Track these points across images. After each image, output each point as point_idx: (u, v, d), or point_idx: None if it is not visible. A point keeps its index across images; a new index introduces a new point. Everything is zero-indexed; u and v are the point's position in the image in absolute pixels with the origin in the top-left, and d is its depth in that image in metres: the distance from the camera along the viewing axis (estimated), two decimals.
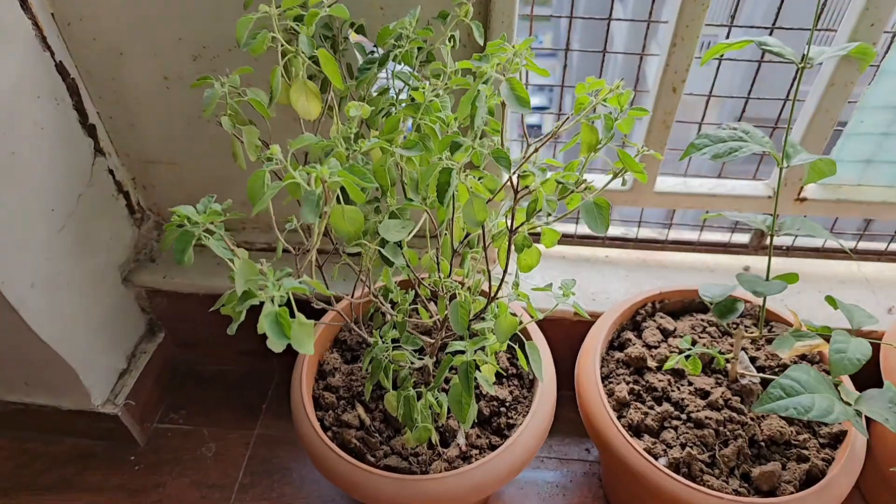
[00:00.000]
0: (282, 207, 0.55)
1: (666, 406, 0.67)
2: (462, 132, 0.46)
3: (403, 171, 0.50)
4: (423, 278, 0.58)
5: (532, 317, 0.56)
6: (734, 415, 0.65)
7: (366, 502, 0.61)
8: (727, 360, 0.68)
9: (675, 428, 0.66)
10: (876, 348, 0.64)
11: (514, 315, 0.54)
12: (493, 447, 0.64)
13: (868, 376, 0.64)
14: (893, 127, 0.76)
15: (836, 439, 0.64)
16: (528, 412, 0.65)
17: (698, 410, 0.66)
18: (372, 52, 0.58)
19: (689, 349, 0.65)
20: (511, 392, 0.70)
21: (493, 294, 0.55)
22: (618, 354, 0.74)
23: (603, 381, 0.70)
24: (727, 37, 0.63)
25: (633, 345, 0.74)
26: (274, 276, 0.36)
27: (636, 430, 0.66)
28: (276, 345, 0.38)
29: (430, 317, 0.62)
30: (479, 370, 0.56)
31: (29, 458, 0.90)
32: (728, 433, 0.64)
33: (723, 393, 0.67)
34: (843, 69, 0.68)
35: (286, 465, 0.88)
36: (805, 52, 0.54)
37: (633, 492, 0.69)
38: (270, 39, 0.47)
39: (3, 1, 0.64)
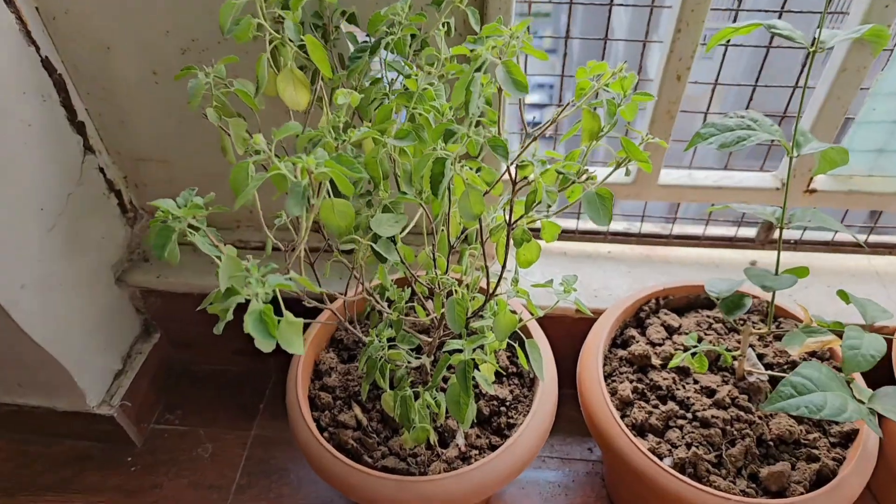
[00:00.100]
0: (272, 203, 0.53)
1: (671, 405, 0.66)
2: (458, 123, 0.44)
3: (396, 163, 0.48)
4: (419, 275, 0.56)
5: (532, 314, 0.54)
6: (741, 413, 0.63)
7: None
8: (734, 358, 0.66)
9: (681, 427, 0.64)
10: (889, 344, 0.62)
11: (514, 312, 0.52)
12: (493, 447, 0.63)
13: (880, 373, 0.62)
14: None
15: (848, 438, 0.62)
16: (528, 411, 0.63)
17: (704, 409, 0.64)
18: (365, 42, 0.56)
19: (696, 346, 0.63)
20: (511, 391, 0.68)
21: (491, 291, 0.53)
22: (621, 352, 0.72)
23: (606, 380, 0.69)
24: (734, 21, 0.60)
25: (637, 342, 0.72)
26: (258, 273, 0.34)
27: (640, 430, 0.65)
28: (263, 344, 0.36)
29: (427, 315, 0.60)
30: (478, 369, 0.55)
31: (27, 460, 0.89)
32: (735, 432, 0.62)
33: (729, 391, 0.65)
34: (856, 54, 0.65)
35: (284, 466, 0.86)
36: (816, 36, 0.52)
37: (636, 492, 0.67)
38: (256, 27, 0.45)
39: None
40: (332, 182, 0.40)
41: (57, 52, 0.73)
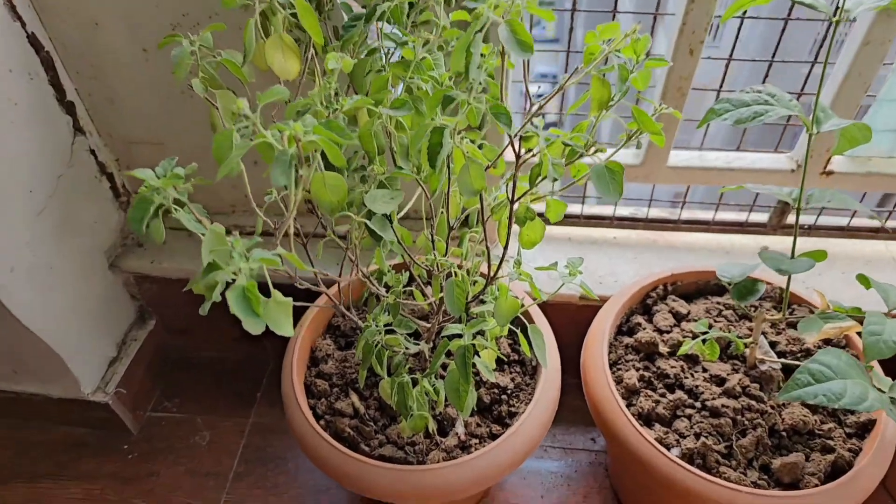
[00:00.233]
0: (263, 182, 0.51)
1: (679, 394, 0.63)
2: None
3: (393, 137, 0.46)
4: (417, 259, 0.54)
5: (535, 298, 0.52)
6: (753, 403, 0.61)
7: (360, 494, 0.58)
8: (746, 345, 0.63)
9: (689, 417, 0.62)
10: None
11: (516, 297, 0.49)
12: (493, 436, 0.61)
13: None
14: None
15: (864, 429, 0.60)
16: (530, 400, 0.61)
17: (714, 398, 0.62)
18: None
19: (706, 332, 0.60)
20: (513, 379, 0.66)
21: (492, 274, 0.51)
22: (627, 340, 0.70)
23: (611, 368, 0.66)
24: None
25: (644, 329, 0.70)
26: (242, 247, 0.32)
27: (647, 419, 0.62)
28: (250, 325, 0.34)
29: (425, 299, 0.58)
30: (479, 356, 0.53)
31: (24, 447, 0.88)
32: (746, 422, 0.60)
33: (740, 380, 0.63)
34: (881, 25, 0.61)
35: (281, 454, 0.85)
36: (839, 4, 0.48)
37: (642, 483, 0.65)
38: None
39: None
40: (323, 156, 0.37)
41: (44, 27, 0.71)
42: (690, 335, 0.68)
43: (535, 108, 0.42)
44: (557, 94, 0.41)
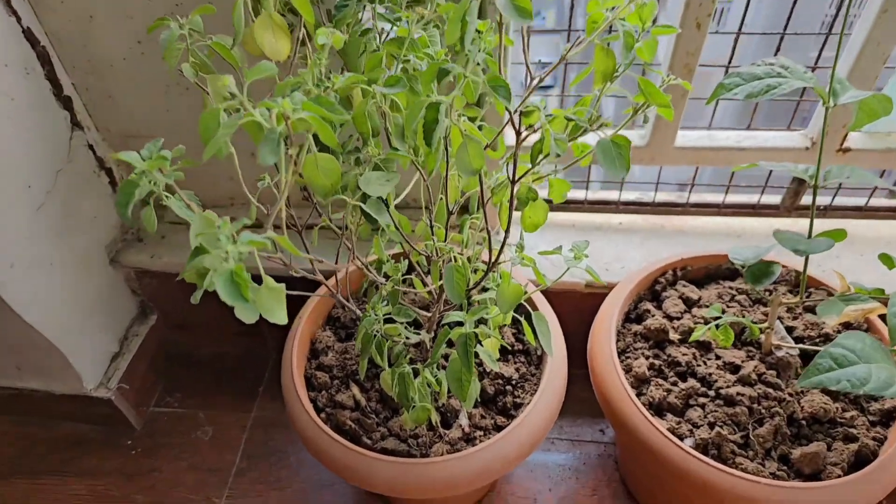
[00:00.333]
0: (258, 171, 0.50)
1: (691, 382, 0.61)
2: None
3: (388, 118, 0.44)
4: (415, 245, 0.52)
5: (540, 283, 0.50)
6: (770, 390, 0.58)
7: (362, 488, 0.57)
8: (761, 331, 0.61)
9: (703, 406, 0.59)
10: None
11: (519, 284, 0.47)
12: (498, 428, 0.59)
13: None
14: None
15: (889, 416, 0.57)
16: (536, 390, 0.59)
17: (728, 386, 0.59)
18: None
19: (719, 317, 0.58)
20: (518, 369, 0.64)
21: (493, 259, 0.49)
22: (635, 327, 0.67)
23: (619, 356, 0.64)
24: None
25: (653, 316, 0.67)
26: (229, 229, 0.30)
27: (658, 409, 0.60)
28: (241, 312, 0.33)
29: (425, 287, 0.56)
30: (481, 345, 0.51)
31: (28, 443, 0.88)
32: (763, 411, 0.57)
33: (756, 367, 0.60)
34: None
35: (283, 449, 0.84)
36: None
37: (654, 475, 0.63)
38: None
39: None
40: (317, 140, 0.36)
41: (39, 22, 0.70)
42: (702, 321, 0.66)
43: (535, 81, 0.40)
44: (560, 64, 0.39)
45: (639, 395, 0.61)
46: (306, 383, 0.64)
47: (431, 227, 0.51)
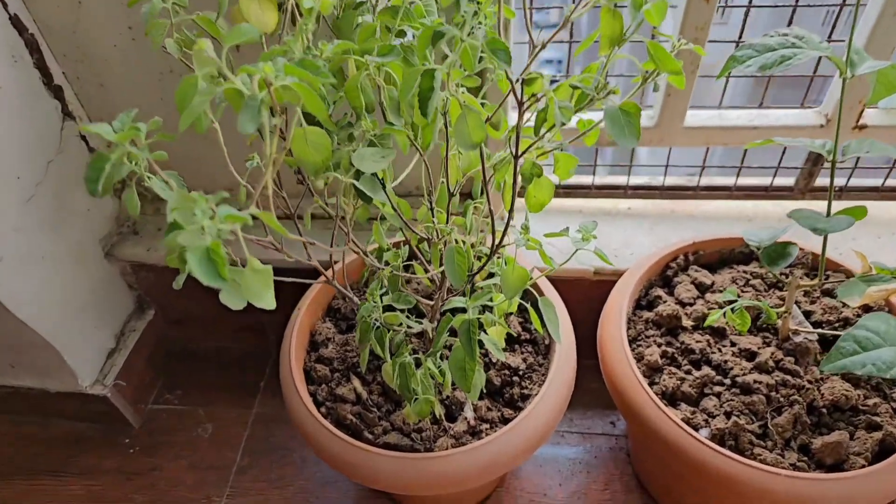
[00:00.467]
0: (245, 148, 0.47)
1: (706, 370, 0.58)
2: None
3: (382, 91, 0.41)
4: (415, 228, 0.50)
5: (546, 265, 0.48)
6: (788, 378, 0.56)
7: (364, 484, 0.55)
8: (778, 315, 0.58)
9: (718, 395, 0.57)
10: None
11: (524, 268, 0.45)
12: (505, 420, 0.57)
13: None
14: None
15: None
16: (544, 381, 0.57)
17: (745, 374, 0.57)
18: None
19: (735, 300, 0.55)
20: (525, 359, 0.62)
21: (497, 241, 0.46)
22: (646, 314, 0.65)
23: (630, 344, 0.62)
24: None
25: (665, 302, 0.65)
26: (206, 204, 0.28)
27: (671, 399, 0.58)
28: (227, 297, 0.30)
29: (426, 272, 0.53)
30: (486, 333, 0.48)
31: (24, 442, 0.87)
32: (781, 399, 0.55)
33: (773, 353, 0.58)
34: None
35: (286, 445, 0.82)
36: None
37: (669, 467, 0.61)
38: None
39: None
40: (307, 117, 0.33)
41: (27, 8, 0.68)
42: (716, 306, 0.63)
43: (538, 48, 0.37)
44: (564, 27, 0.36)
45: (651, 384, 0.59)
46: (306, 377, 0.62)
47: (432, 209, 0.49)
